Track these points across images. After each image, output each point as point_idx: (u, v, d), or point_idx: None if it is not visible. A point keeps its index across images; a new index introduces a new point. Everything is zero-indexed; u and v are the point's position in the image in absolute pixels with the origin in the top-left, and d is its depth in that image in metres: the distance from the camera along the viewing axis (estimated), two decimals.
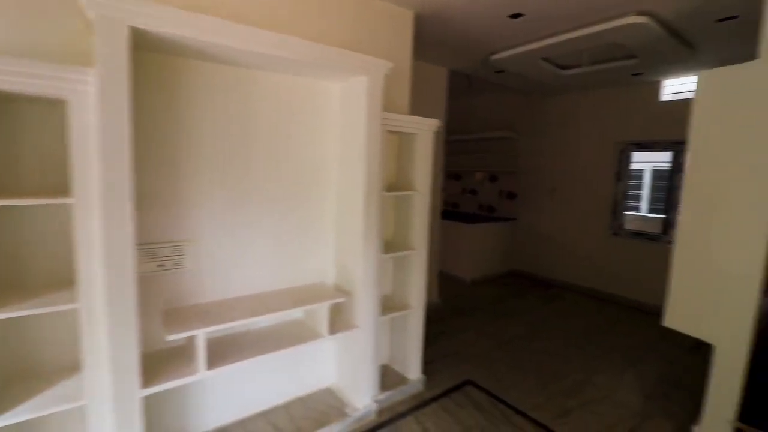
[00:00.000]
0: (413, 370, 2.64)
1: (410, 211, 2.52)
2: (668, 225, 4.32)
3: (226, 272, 2.01)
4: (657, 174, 6.76)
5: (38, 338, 1.57)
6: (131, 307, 1.48)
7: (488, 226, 5.42)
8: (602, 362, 3.14)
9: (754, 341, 1.95)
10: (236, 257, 2.03)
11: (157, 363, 1.73)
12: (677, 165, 4.23)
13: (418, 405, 2.48)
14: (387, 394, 2.45)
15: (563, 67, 3.72)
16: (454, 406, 2.47)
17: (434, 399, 2.56)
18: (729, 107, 2.03)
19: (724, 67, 2.06)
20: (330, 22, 2.20)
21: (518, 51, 3.14)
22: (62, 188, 1.52)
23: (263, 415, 2.23)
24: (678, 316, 2.22)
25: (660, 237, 4.38)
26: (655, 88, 4.30)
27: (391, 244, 2.60)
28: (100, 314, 1.46)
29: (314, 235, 2.32)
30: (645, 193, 6.89)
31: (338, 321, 2.26)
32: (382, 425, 2.28)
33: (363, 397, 2.30)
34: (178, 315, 1.79)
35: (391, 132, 2.36)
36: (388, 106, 2.47)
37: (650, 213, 6.62)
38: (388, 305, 2.56)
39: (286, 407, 2.28)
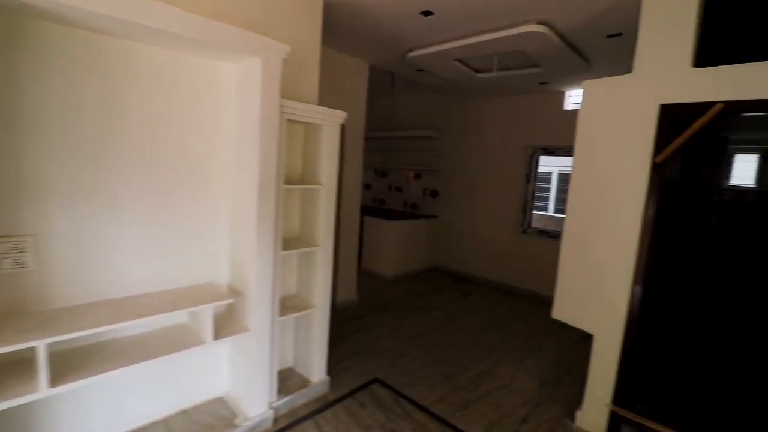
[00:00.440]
0: (317, 371, 2.54)
1: (315, 205, 2.41)
2: None
3: (85, 273, 1.72)
4: (562, 177, 7.40)
5: None
6: None
7: (411, 223, 5.49)
8: (505, 352, 3.31)
9: (626, 331, 2.15)
10: (99, 256, 1.75)
11: None
12: None
13: (319, 408, 2.38)
14: (286, 399, 2.32)
15: (478, 71, 3.85)
16: (356, 407, 2.41)
17: (338, 400, 2.48)
18: (607, 115, 2.21)
19: (604, 78, 2.23)
20: (231, 0, 2.00)
21: (432, 50, 3.16)
22: None
23: None
24: (564, 309, 2.38)
25: (561, 235, 4.75)
26: (560, 98, 4.65)
27: (296, 240, 2.47)
28: None
29: (205, 230, 2.11)
30: (552, 194, 7.51)
31: (228, 324, 2.08)
32: None
33: (257, 405, 2.15)
34: (16, 323, 1.49)
35: (293, 122, 2.23)
36: (294, 95, 2.34)
37: (556, 213, 7.23)
38: (291, 305, 2.42)
39: (166, 422, 2.04)
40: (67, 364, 1.58)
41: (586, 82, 2.29)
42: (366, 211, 6.22)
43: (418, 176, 6.12)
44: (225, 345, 2.27)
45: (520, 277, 5.03)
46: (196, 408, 2.17)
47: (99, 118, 1.68)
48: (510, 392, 2.72)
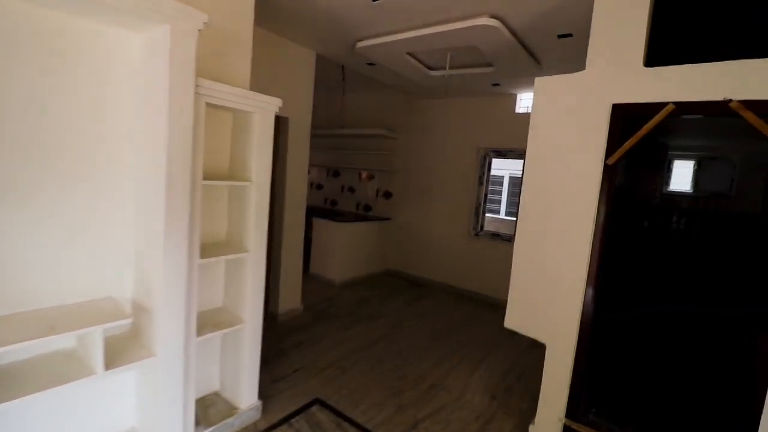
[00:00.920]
0: (247, 395, 2.21)
1: (244, 206, 2.09)
2: None
3: None
4: (514, 180, 7.52)
5: None
6: None
7: (362, 225, 5.26)
8: (456, 361, 3.16)
9: (579, 339, 2.05)
10: None
11: None
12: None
13: None
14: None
15: (431, 68, 3.71)
16: None
17: (271, 429, 2.17)
18: (560, 115, 2.11)
19: (556, 75, 2.13)
20: None
21: (382, 41, 2.96)
22: None
23: None
24: (516, 318, 2.24)
25: (513, 238, 4.74)
26: (512, 100, 4.64)
27: (222, 246, 2.14)
28: None
29: (106, 233, 1.72)
30: (504, 197, 7.61)
31: (131, 348, 1.71)
32: None
33: None
34: None
35: (215, 107, 1.91)
36: (220, 77, 2.01)
37: (507, 216, 7.33)
38: (214, 321, 2.08)
39: None
40: None
41: (539, 79, 2.18)
42: (316, 212, 5.90)
43: (371, 177, 5.90)
44: (129, 373, 1.89)
45: (473, 280, 4.96)
46: None
47: None
48: (461, 406, 2.56)
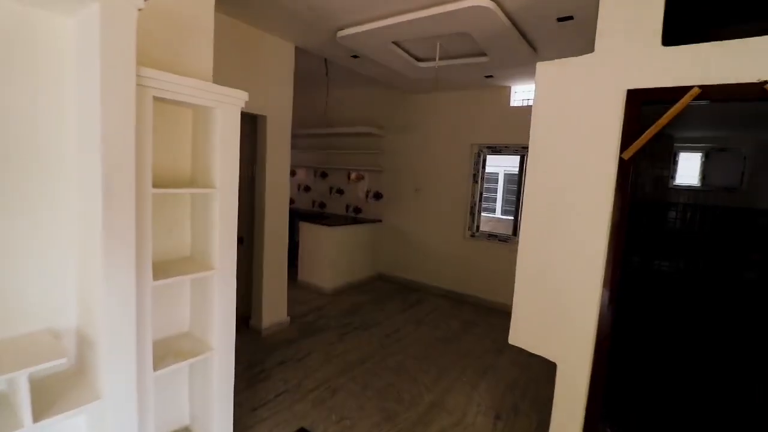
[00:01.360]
0: (220, 430, 1.94)
1: (209, 216, 1.82)
2: (517, 226, 4.48)
3: None
4: (509, 177, 7.30)
5: None
6: None
7: (351, 229, 4.99)
8: (456, 375, 2.92)
9: (595, 357, 1.81)
10: None
11: None
12: (524, 169, 4.41)
13: None
14: None
15: (419, 60, 3.45)
16: None
17: None
18: (566, 104, 1.86)
19: (561, 59, 1.89)
20: None
21: (364, 29, 2.69)
22: None
23: None
24: (522, 334, 2.00)
25: (510, 238, 4.51)
26: (506, 93, 4.41)
27: (185, 263, 1.86)
28: None
29: (40, 255, 1.44)
30: (499, 195, 7.39)
31: (72, 389, 1.44)
32: None
33: None
34: None
35: (167, 102, 1.63)
36: (176, 69, 1.74)
37: (504, 215, 7.10)
38: (177, 349, 1.81)
39: None
40: None
41: (541, 64, 1.93)
42: (304, 216, 5.63)
43: (360, 177, 5.64)
44: (79, 418, 1.61)
45: (470, 283, 4.72)
46: None
47: None
48: (463, 430, 2.31)
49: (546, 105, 1.95)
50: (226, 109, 1.75)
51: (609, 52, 1.73)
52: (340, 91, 5.56)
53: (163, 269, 1.71)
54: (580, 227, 1.80)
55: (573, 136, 1.83)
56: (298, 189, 6.40)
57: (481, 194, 4.76)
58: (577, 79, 1.81)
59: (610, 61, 1.72)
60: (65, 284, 1.51)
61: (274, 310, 3.48)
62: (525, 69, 3.59)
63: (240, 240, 3.85)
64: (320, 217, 5.54)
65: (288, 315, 3.65)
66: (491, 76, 3.95)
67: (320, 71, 4.41)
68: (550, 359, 1.91)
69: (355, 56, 3.52)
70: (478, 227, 4.77)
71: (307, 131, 5.70)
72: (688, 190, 3.02)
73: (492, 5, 2.29)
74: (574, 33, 2.68)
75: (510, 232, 4.59)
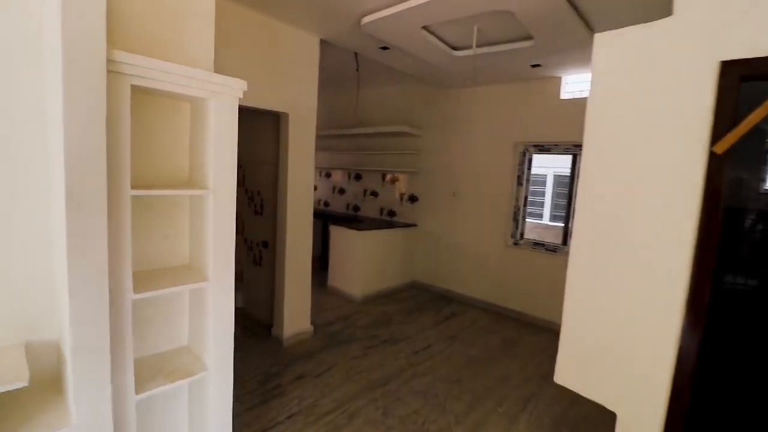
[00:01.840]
0: None
1: (202, 220, 1.63)
2: (568, 235, 3.97)
3: None
4: (559, 179, 6.66)
5: None
6: None
7: (384, 233, 4.72)
8: (492, 404, 2.54)
9: (670, 409, 1.39)
10: None
11: None
12: (576, 170, 3.90)
13: None
14: None
15: (455, 48, 3.12)
16: None
17: None
18: (634, 83, 1.47)
19: (627, 28, 1.49)
20: None
21: (390, 12, 2.41)
22: None
23: None
24: (570, 372, 1.61)
25: (559, 248, 4.02)
26: (556, 84, 3.93)
27: (183, 271, 1.68)
28: None
29: (13, 260, 1.31)
30: (547, 199, 6.75)
31: (45, 413, 1.29)
32: None
33: None
34: None
35: (152, 92, 1.46)
36: (171, 57, 1.57)
37: (552, 221, 6.46)
38: (169, 367, 1.63)
39: None
40: None
41: (600, 36, 1.55)
42: (337, 218, 5.46)
43: (395, 179, 5.37)
44: None
45: (512, 296, 4.27)
46: None
47: None
48: None
49: (606, 88, 1.57)
50: (222, 99, 1.55)
51: (696, 12, 1.32)
52: (373, 88, 5.33)
53: (152, 279, 1.53)
54: (651, 239, 1.39)
55: (643, 125, 1.43)
56: (333, 191, 6.26)
57: (526, 198, 4.30)
58: (650, 51, 1.41)
59: (697, 24, 1.31)
60: (44, 294, 1.37)
61: (296, 318, 3.30)
62: (579, 54, 3.13)
63: (265, 244, 3.73)
64: (353, 220, 5.33)
65: (312, 324, 3.45)
66: (538, 65, 3.52)
67: (351, 68, 4.20)
68: (607, 407, 1.51)
69: (384, 48, 3.25)
70: (522, 234, 4.31)
71: (341, 131, 5.53)
72: None
73: None
74: (640, 6, 2.22)
75: (560, 240, 4.09)
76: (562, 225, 4.28)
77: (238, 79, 1.57)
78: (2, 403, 1.26)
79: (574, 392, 2.75)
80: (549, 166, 6.60)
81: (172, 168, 1.69)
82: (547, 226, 6.02)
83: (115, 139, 1.28)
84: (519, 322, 4.11)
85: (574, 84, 3.92)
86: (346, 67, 4.27)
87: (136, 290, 1.41)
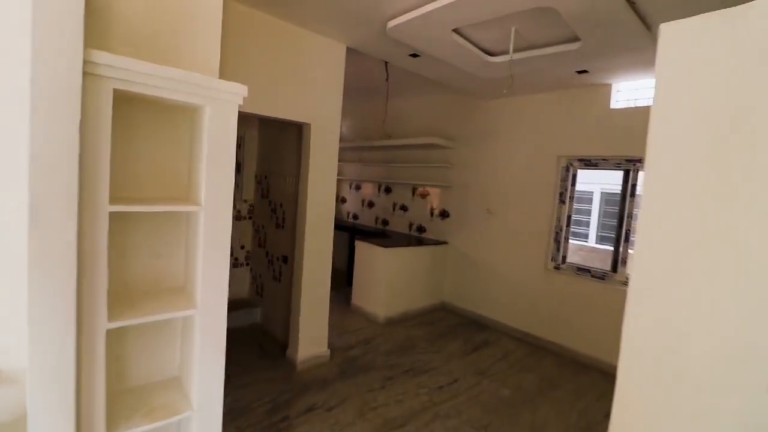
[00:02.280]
0: None
1: (194, 240, 1.47)
2: (619, 261, 3.52)
3: None
4: (608, 197, 6.10)
5: None
6: None
7: (412, 250, 4.45)
8: None
9: None
10: None
11: None
12: (630, 187, 3.47)
13: None
14: None
15: (490, 54, 2.86)
16: None
17: None
18: (717, 78, 1.15)
19: (706, 14, 1.19)
20: None
21: (418, 14, 2.21)
22: None
23: None
24: None
25: (608, 275, 3.57)
26: (605, 93, 3.55)
27: (176, 295, 1.53)
28: None
29: None
30: (593, 219, 6.19)
31: None
32: None
33: None
34: None
35: (141, 99, 1.32)
36: (171, 61, 1.44)
37: (599, 243, 5.88)
38: (151, 404, 1.46)
39: None
40: None
41: (666, 26, 1.25)
42: (364, 233, 5.28)
43: (425, 193, 5.11)
44: None
45: (552, 327, 3.84)
46: None
47: None
48: None
49: (680, 82, 1.25)
50: (218, 106, 1.39)
51: None
52: (404, 99, 5.16)
53: (136, 304, 1.38)
54: (747, 268, 1.05)
55: (728, 127, 1.10)
56: (362, 204, 6.10)
57: (569, 217, 3.90)
58: (739, 38, 1.09)
59: None
60: (13, 317, 1.24)
61: (312, 341, 3.09)
62: (633, 57, 2.77)
63: (284, 259, 3.59)
64: (381, 235, 5.12)
65: (328, 347, 3.23)
66: (585, 71, 3.18)
67: (382, 77, 4.04)
68: None
69: (414, 55, 3.05)
70: (564, 258, 3.90)
71: (371, 143, 5.38)
72: None
73: None
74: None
75: (609, 266, 3.64)
76: (611, 248, 3.81)
77: (238, 84, 1.41)
78: None
79: None
80: (596, 183, 6.06)
81: (169, 182, 1.55)
82: (592, 249, 5.48)
83: (92, 147, 1.14)
84: (559, 357, 3.67)
85: (626, 92, 3.52)
86: (376, 77, 4.12)
87: (111, 318, 1.25)
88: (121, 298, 1.39)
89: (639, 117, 3.34)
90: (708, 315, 1.11)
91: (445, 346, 3.70)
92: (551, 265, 3.92)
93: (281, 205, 3.59)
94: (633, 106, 3.44)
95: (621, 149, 3.44)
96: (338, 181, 6.56)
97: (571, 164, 3.84)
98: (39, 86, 1.02)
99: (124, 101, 1.33)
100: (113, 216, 1.26)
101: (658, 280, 1.23)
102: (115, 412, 1.34)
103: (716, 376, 1.09)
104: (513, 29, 2.41)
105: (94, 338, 1.21)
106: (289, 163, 3.40)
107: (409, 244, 4.49)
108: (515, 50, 2.65)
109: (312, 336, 3.10)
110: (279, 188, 3.65)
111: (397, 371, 3.11)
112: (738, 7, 1.09)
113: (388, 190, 5.67)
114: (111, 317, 1.25)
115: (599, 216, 6.12)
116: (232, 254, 4.01)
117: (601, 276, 3.59)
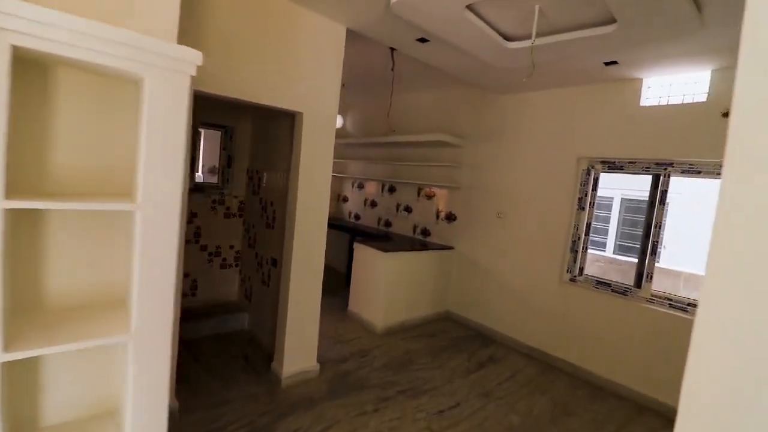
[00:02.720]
0: None
1: (130, 244, 1.17)
2: (644, 275, 3.16)
3: None
4: (628, 204, 5.70)
5: None
6: None
7: (415, 255, 4.13)
8: None
9: None
10: None
11: None
12: (659, 193, 3.11)
13: None
14: None
15: (508, 38, 2.53)
16: None
17: None
18: None
19: None
20: None
21: None
22: None
23: None
24: None
25: (631, 290, 3.21)
26: (635, 88, 3.19)
27: (109, 313, 1.23)
28: None
29: None
30: (612, 227, 5.79)
31: None
32: None
33: None
34: None
35: (44, 59, 1.02)
36: (118, 21, 1.14)
37: (618, 254, 5.49)
38: None
39: None
40: None
41: None
42: (365, 234, 4.98)
43: (430, 194, 4.79)
44: None
45: (566, 344, 3.50)
46: None
47: None
48: None
49: None
50: (162, 77, 1.09)
51: None
52: (410, 93, 4.83)
53: (55, 325, 1.09)
54: None
55: None
56: (365, 204, 5.79)
57: (588, 225, 3.54)
58: None
59: None
60: None
61: (300, 354, 2.80)
62: (671, 47, 2.41)
63: (274, 262, 3.29)
64: (383, 237, 4.81)
65: (318, 361, 2.93)
66: (614, 63, 2.83)
67: (387, 68, 3.72)
68: None
69: (422, 40, 2.73)
70: (582, 270, 3.55)
71: (375, 139, 5.07)
72: None
73: None
74: None
75: (631, 281, 3.28)
76: (633, 260, 3.45)
77: (187, 48, 1.10)
78: None
79: None
80: (615, 188, 5.67)
81: (110, 175, 1.25)
82: (611, 260, 5.09)
83: None
84: (573, 378, 3.33)
85: (656, 88, 3.16)
86: (381, 68, 3.80)
87: (11, 346, 0.96)
88: (32, 318, 1.10)
89: (672, 116, 2.98)
90: None
91: (447, 362, 3.38)
92: (567, 276, 3.57)
93: (272, 204, 3.30)
94: (665, 104, 3.07)
95: (650, 151, 3.08)
96: (341, 179, 6.26)
97: (593, 167, 3.49)
98: None
99: (38, 68, 1.04)
100: (15, 214, 0.97)
101: (739, 308, 0.90)
102: None
103: None
104: (537, 7, 2.08)
105: None
106: (282, 158, 3.10)
107: (412, 249, 4.17)
108: (538, 35, 2.31)
109: (299, 349, 2.80)
110: (270, 185, 3.36)
111: (392, 391, 2.80)
112: None
113: (392, 190, 5.36)
114: (10, 345, 0.96)
115: (618, 224, 5.72)
116: (220, 254, 3.72)
117: (623, 291, 3.24)
